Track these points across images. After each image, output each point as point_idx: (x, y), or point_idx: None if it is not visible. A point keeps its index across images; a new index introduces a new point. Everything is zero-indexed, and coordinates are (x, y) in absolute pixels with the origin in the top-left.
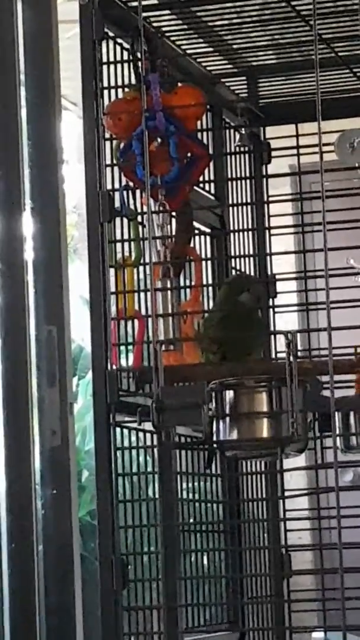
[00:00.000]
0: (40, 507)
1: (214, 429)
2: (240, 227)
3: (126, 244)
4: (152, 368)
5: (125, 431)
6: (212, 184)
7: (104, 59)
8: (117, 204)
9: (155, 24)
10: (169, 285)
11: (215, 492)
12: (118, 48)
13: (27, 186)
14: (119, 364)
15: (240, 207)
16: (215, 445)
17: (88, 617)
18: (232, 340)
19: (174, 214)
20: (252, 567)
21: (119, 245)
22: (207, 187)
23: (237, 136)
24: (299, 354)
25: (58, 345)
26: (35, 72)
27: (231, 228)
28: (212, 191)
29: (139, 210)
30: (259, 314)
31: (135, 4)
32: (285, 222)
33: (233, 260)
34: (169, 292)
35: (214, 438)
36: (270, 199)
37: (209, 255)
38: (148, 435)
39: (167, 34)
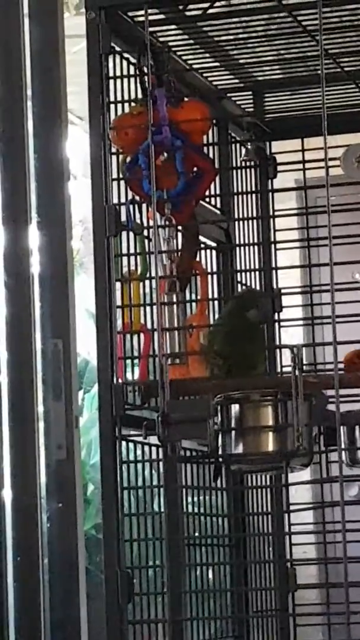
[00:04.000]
0: (45, 521)
1: (220, 442)
2: (246, 241)
3: (132, 258)
4: (158, 382)
5: (131, 445)
6: (218, 198)
7: (111, 74)
8: (123, 218)
9: (161, 39)
10: (174, 299)
11: (221, 506)
12: (125, 62)
13: (33, 200)
14: (124, 378)
15: (246, 222)
16: (220, 459)
17: (93, 631)
18: (237, 355)
19: (180, 228)
20: (257, 581)
21: (125, 259)
22: (213, 202)
23: (243, 151)
24: (305, 368)
25: (64, 358)
26: (41, 87)
27: (237, 242)
28: (218, 205)
29: (145, 224)
30: (264, 329)
31: (142, 18)
32: (291, 236)
33: (239, 274)
34: (174, 306)
35: (220, 452)
36: (276, 213)
37: (214, 269)
38: (154, 448)
39: (174, 49)
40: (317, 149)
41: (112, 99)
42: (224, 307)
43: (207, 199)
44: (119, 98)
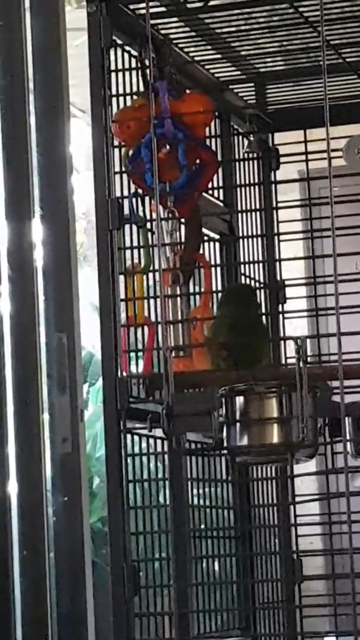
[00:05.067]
0: (51, 514)
1: (225, 435)
2: (250, 233)
3: (136, 251)
4: (162, 374)
5: (136, 438)
6: (221, 191)
7: (113, 67)
8: (126, 211)
9: (163, 31)
10: (178, 292)
11: (226, 498)
12: (126, 55)
13: (36, 193)
14: (129, 371)
15: (249, 213)
16: (225, 452)
17: (100, 624)
18: (242, 347)
19: (183, 220)
20: (263, 573)
21: (128, 252)
22: (215, 194)
23: (246, 142)
24: (309, 359)
25: (68, 352)
26: (43, 80)
27: (240, 234)
28: (221, 197)
29: (148, 217)
30: (268, 321)
31: (143, 11)
32: (294, 227)
33: (242, 266)
34: (178, 298)
35: (225, 444)
36: (279, 205)
37: (218, 262)
38: (159, 441)
39: (175, 41)
40: (320, 140)
41: (113, 92)
42: (222, 300)
43: (210, 191)
44: (121, 91)
